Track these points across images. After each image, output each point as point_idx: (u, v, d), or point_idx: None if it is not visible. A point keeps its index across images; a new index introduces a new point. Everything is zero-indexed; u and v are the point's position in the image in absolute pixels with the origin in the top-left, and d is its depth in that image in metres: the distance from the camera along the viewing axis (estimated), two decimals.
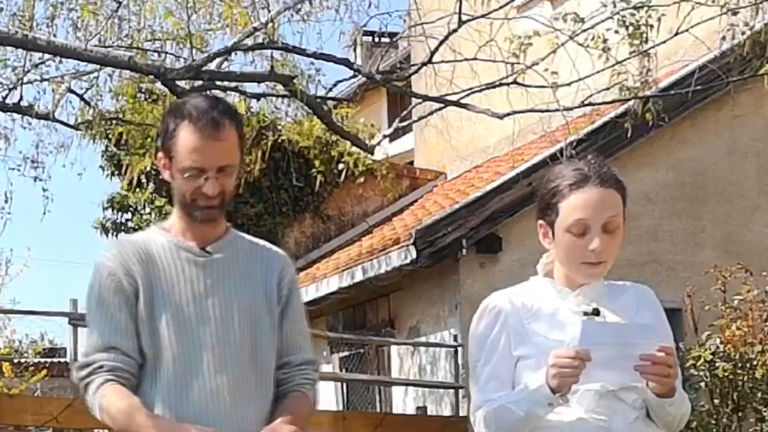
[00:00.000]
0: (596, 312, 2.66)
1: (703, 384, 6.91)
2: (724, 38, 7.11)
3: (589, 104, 7.76)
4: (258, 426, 2.63)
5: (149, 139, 11.17)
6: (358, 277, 10.08)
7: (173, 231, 2.77)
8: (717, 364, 6.90)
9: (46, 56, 7.90)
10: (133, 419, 2.58)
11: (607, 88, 7.46)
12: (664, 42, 7.27)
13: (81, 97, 8.72)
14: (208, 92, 8.36)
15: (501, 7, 7.64)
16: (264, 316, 2.74)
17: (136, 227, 12.92)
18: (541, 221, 2.74)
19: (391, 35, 8.97)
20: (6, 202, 8.45)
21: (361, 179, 12.12)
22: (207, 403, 2.63)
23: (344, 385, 11.11)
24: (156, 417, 2.59)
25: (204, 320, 2.67)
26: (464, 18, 7.42)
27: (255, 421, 2.65)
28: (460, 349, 9.26)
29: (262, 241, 2.89)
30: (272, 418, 2.69)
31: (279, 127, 11.71)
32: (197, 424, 2.57)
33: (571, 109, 7.56)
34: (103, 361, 2.63)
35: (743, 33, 7.16)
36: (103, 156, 12.79)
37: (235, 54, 7.60)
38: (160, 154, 2.76)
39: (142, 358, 2.66)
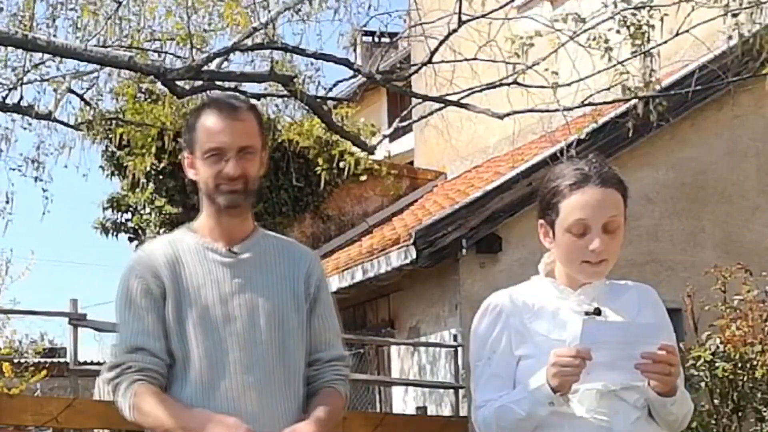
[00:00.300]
0: (598, 312, 2.66)
1: (703, 384, 6.91)
2: (730, 38, 7.10)
3: (590, 104, 7.76)
4: (287, 425, 2.64)
5: (150, 140, 11.18)
6: (358, 277, 10.08)
7: (201, 231, 2.79)
8: (717, 364, 6.89)
9: (46, 56, 7.89)
10: (167, 413, 2.61)
11: (608, 88, 7.46)
12: (664, 42, 7.27)
13: (81, 97, 8.71)
14: (209, 92, 8.35)
15: (501, 7, 7.63)
16: (291, 315, 2.76)
17: (136, 227, 12.93)
18: (541, 221, 2.74)
19: (391, 35, 8.96)
20: (7, 203, 8.43)
21: (363, 178, 12.14)
22: (234, 402, 2.65)
23: None
24: (191, 408, 2.62)
25: (230, 320, 2.69)
26: (464, 18, 7.41)
27: (283, 419, 2.66)
28: (460, 349, 9.26)
29: (289, 239, 2.93)
30: (305, 415, 2.70)
31: (279, 127, 11.71)
32: None
33: (571, 109, 7.55)
34: (131, 362, 2.67)
35: (743, 34, 7.15)
36: (103, 156, 12.79)
37: (234, 54, 7.59)
38: (185, 153, 2.80)
39: (172, 359, 2.69)
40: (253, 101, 8.22)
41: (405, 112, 8.81)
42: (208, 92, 8.35)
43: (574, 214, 2.64)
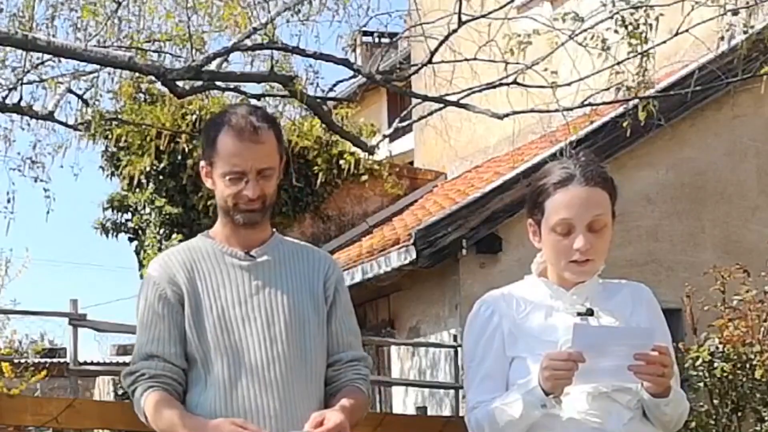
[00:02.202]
0: (590, 312, 2.64)
1: (702, 384, 6.91)
2: (722, 38, 7.09)
3: (589, 104, 7.75)
4: (306, 423, 2.66)
5: (148, 140, 11.18)
6: (358, 277, 10.08)
7: (218, 238, 2.84)
8: (716, 365, 6.89)
9: (46, 56, 7.89)
10: (171, 422, 2.66)
11: (607, 89, 7.45)
12: (663, 42, 7.26)
13: (80, 97, 8.71)
14: (209, 92, 8.35)
15: (501, 8, 7.63)
16: (311, 316, 2.80)
17: (136, 227, 12.94)
18: (530, 220, 2.74)
19: (391, 35, 8.95)
20: (9, 202, 8.43)
21: (364, 178, 12.14)
22: (255, 400, 2.69)
23: None
24: (190, 416, 2.66)
25: (248, 320, 2.73)
26: (464, 18, 7.40)
27: (305, 417, 2.67)
28: (459, 349, 9.26)
29: (306, 244, 2.97)
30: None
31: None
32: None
33: (571, 109, 7.55)
34: (145, 369, 2.73)
35: (744, 32, 7.14)
36: (102, 156, 12.80)
37: (233, 54, 7.59)
38: (202, 163, 2.84)
39: (191, 362, 2.74)
40: (254, 101, 8.23)
41: (405, 112, 8.80)
42: (208, 92, 8.36)
43: (559, 213, 2.63)
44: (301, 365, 2.75)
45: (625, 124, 7.54)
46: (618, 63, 7.14)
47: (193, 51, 7.21)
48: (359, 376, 2.86)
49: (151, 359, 2.73)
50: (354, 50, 8.44)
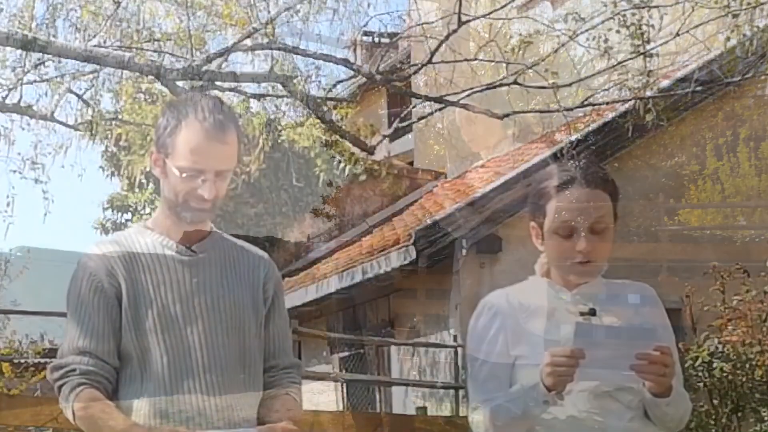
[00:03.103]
0: (593, 312, 2.65)
1: (702, 384, 6.91)
2: (728, 38, 7.10)
3: (590, 104, 7.76)
4: (249, 424, 2.62)
5: (148, 140, 11.17)
6: (358, 277, 10.08)
7: (157, 230, 2.70)
8: (715, 365, 6.89)
9: (46, 56, 7.90)
10: (107, 424, 2.54)
11: (608, 88, 7.46)
12: (665, 42, 7.27)
13: (80, 97, 8.72)
14: (207, 92, 8.36)
15: (501, 8, 7.63)
16: (250, 317, 2.72)
17: None
18: (532, 222, 2.74)
19: (391, 35, 8.96)
20: (8, 205, 8.44)
21: (363, 178, 12.14)
22: (197, 402, 2.60)
23: (344, 385, 11.11)
24: (131, 422, 2.55)
25: (191, 320, 2.63)
26: (464, 18, 7.41)
27: (245, 419, 2.63)
28: (459, 349, 9.26)
29: (245, 243, 2.85)
30: (265, 418, 2.68)
31: (279, 127, 11.72)
32: (185, 425, 2.55)
33: (571, 109, 7.56)
34: (76, 364, 2.58)
35: (744, 34, 7.15)
36: (103, 156, 12.80)
37: (232, 54, 7.59)
38: (153, 149, 2.69)
39: (124, 359, 2.61)
40: (253, 101, 8.24)
41: (405, 112, 8.81)
42: (208, 92, 8.36)
43: (560, 216, 2.64)
44: (240, 367, 2.67)
45: (629, 125, 7.55)
46: (619, 63, 7.15)
47: (193, 51, 7.21)
48: (293, 384, 2.79)
49: (83, 355, 2.57)
50: (354, 50, 8.44)
